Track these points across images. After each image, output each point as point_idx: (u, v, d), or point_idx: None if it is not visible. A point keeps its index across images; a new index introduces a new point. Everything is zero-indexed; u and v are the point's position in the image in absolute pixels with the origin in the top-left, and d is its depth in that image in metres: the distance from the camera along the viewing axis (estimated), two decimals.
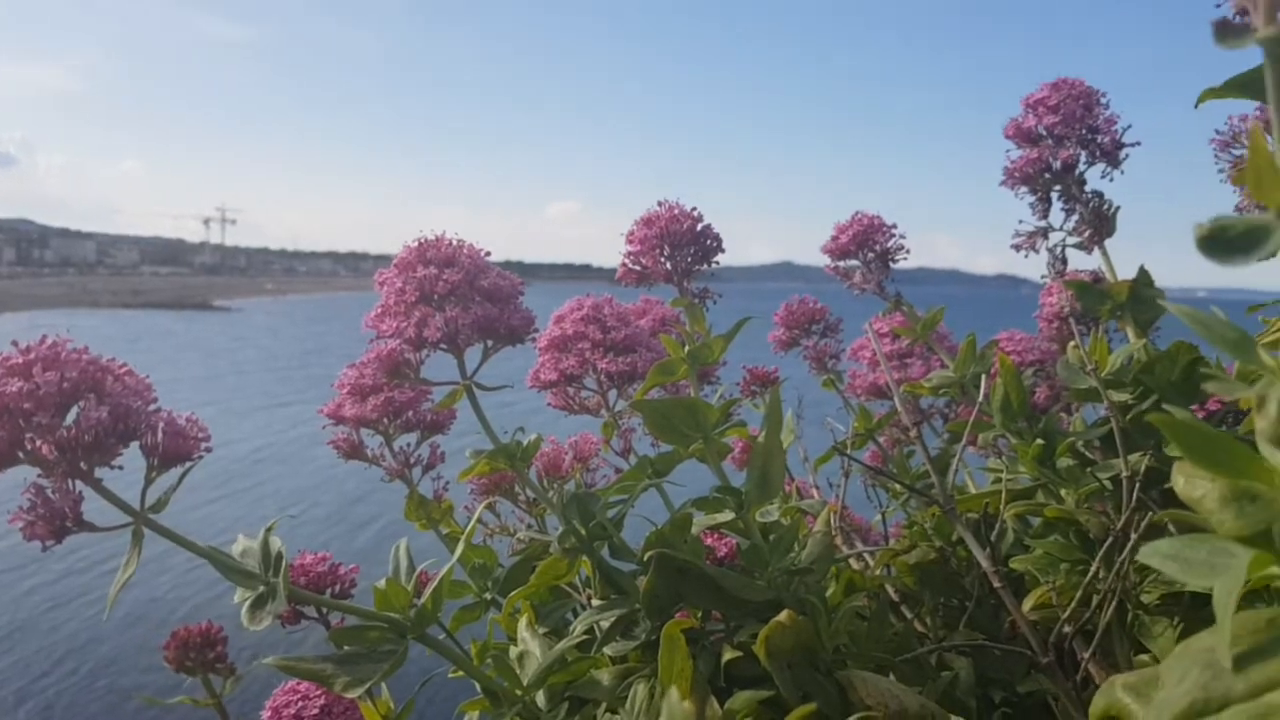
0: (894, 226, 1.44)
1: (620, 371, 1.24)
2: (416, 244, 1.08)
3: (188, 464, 0.83)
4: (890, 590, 1.32)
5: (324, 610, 0.99)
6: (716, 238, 1.14)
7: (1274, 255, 0.43)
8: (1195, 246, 0.45)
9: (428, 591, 0.89)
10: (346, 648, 0.89)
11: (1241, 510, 0.51)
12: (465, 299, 1.05)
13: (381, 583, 0.89)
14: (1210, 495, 0.52)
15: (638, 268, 1.15)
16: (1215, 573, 0.53)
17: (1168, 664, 0.51)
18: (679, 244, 1.13)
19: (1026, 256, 1.49)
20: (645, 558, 0.96)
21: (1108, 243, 1.42)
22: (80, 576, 10.84)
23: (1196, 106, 1.15)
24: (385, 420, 1.33)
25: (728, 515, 1.04)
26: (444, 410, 1.30)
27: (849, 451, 1.47)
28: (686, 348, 1.10)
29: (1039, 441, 1.23)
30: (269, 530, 0.86)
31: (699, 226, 1.13)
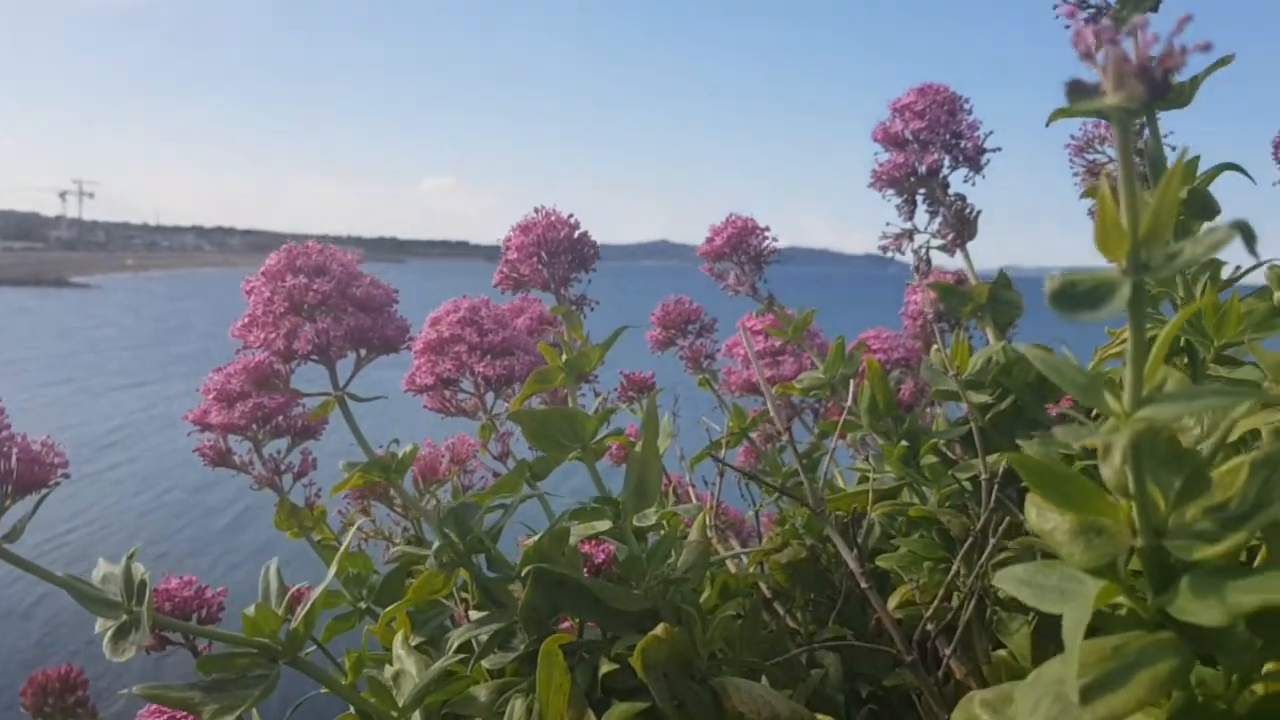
0: (766, 229, 1.47)
1: (498, 375, 1.23)
2: (285, 251, 1.05)
3: (43, 491, 0.80)
4: (763, 587, 1.35)
5: (191, 635, 0.96)
6: (593, 245, 1.14)
7: (1120, 312, 0.46)
8: (1046, 300, 0.47)
9: (300, 614, 0.87)
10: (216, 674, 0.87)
11: (1089, 543, 0.54)
12: (337, 309, 1.03)
13: (251, 609, 0.86)
14: (1060, 528, 0.55)
15: (515, 275, 1.14)
16: (1065, 599, 0.56)
17: (1022, 691, 0.53)
18: (556, 252, 1.12)
19: (893, 257, 1.54)
20: (523, 572, 0.95)
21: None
22: None
23: (1048, 125, 1.21)
24: (254, 427, 1.29)
25: (605, 524, 1.04)
26: (316, 416, 1.28)
27: (724, 450, 1.49)
28: (564, 356, 1.10)
29: (904, 443, 1.27)
30: (131, 557, 0.83)
31: (576, 234, 1.13)
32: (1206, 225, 0.43)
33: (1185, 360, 1.05)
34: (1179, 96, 1.07)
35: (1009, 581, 0.59)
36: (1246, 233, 0.43)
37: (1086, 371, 0.52)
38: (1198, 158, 1.03)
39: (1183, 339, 1.01)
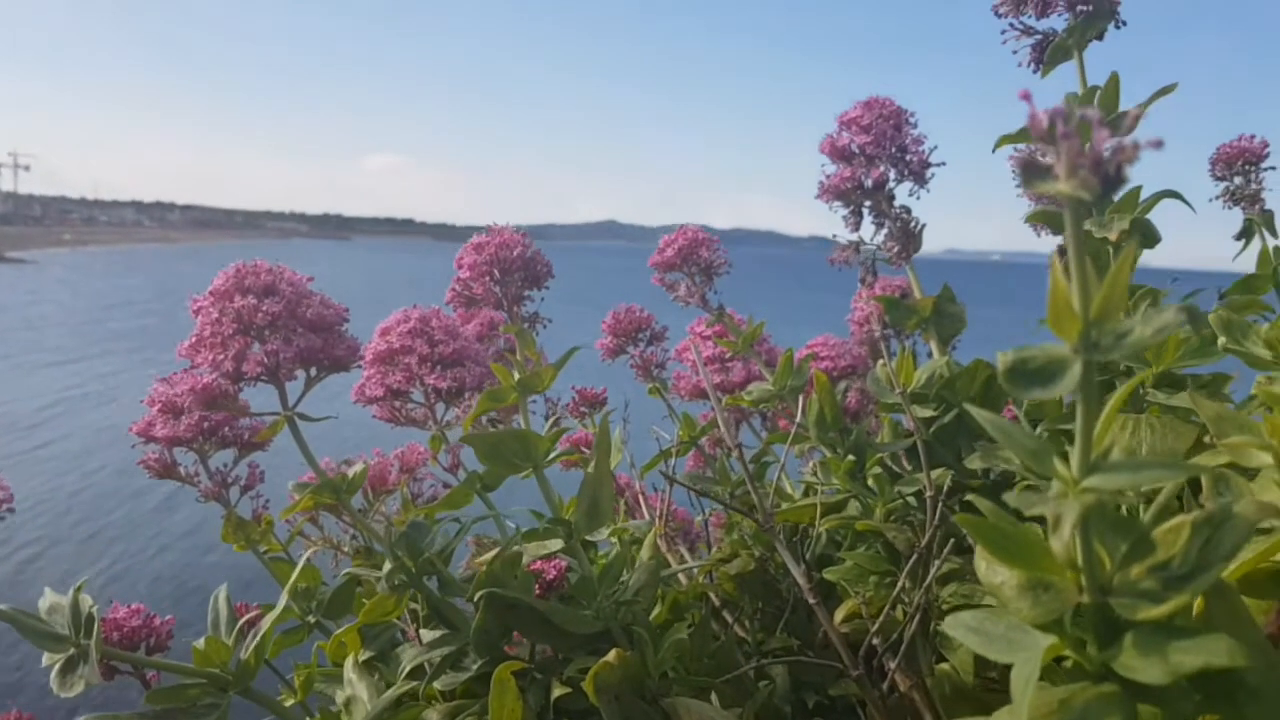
0: (716, 240, 1.48)
1: (448, 387, 1.23)
2: (234, 269, 1.04)
3: None
4: (713, 597, 1.36)
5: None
6: (546, 264, 1.14)
7: (1071, 389, 0.47)
8: (999, 376, 0.48)
9: (250, 646, 0.87)
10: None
11: (1037, 599, 0.55)
12: (287, 330, 1.02)
13: (200, 642, 0.86)
14: (1008, 583, 0.57)
15: (468, 294, 1.13)
16: (1012, 648, 0.57)
17: None
18: (509, 270, 1.12)
19: (840, 270, 1.56)
20: (475, 597, 0.96)
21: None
22: None
23: (994, 150, 1.23)
24: (200, 439, 1.27)
25: (557, 544, 1.05)
26: (265, 436, 1.26)
27: (673, 458, 1.51)
28: (516, 375, 1.10)
29: (850, 457, 1.29)
30: (78, 590, 0.82)
31: (529, 252, 1.13)
32: (1156, 310, 0.45)
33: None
34: (1119, 123, 1.10)
35: (957, 628, 0.60)
36: (1195, 317, 0.44)
37: (1035, 435, 0.53)
38: (1139, 188, 1.06)
39: (1122, 364, 1.04)
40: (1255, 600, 0.69)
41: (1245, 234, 1.48)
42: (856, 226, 1.53)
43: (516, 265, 1.12)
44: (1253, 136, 1.51)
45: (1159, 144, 0.41)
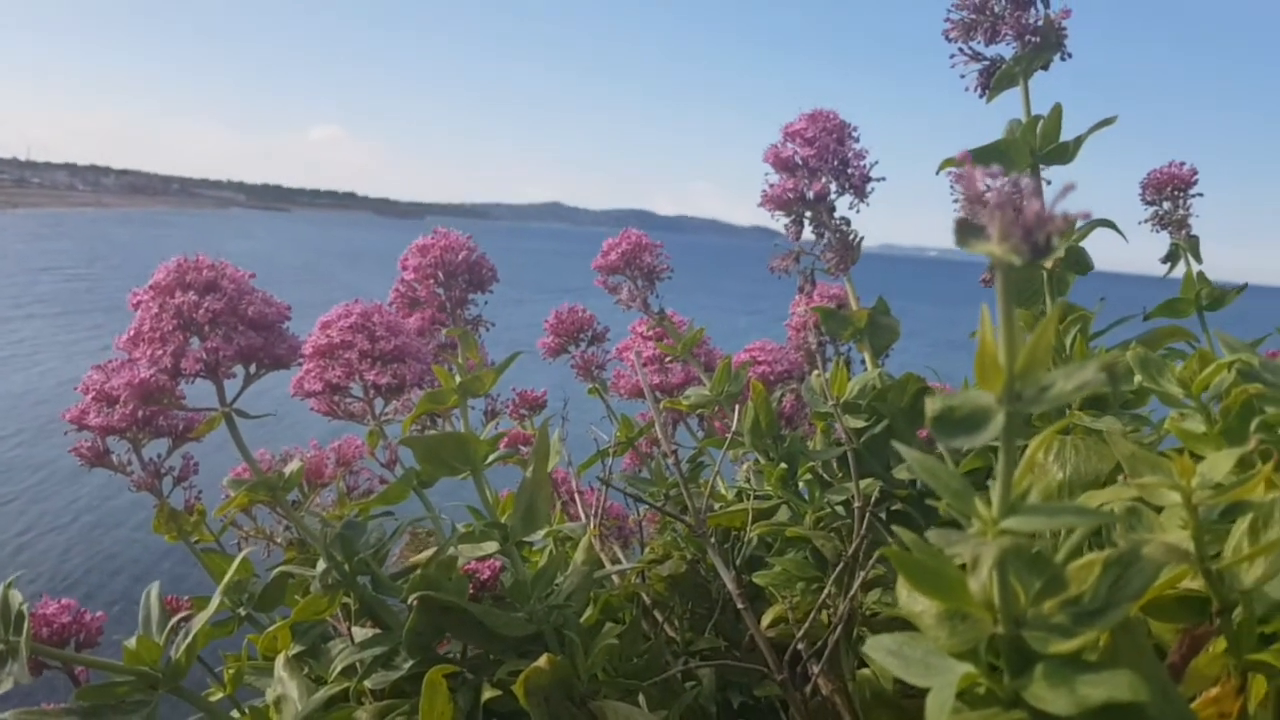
0: (659, 245, 1.49)
1: (388, 384, 1.23)
2: (175, 264, 1.03)
3: None
4: (644, 597, 1.38)
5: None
6: (491, 268, 1.15)
7: (994, 438, 0.49)
8: (928, 425, 0.51)
9: (182, 645, 0.87)
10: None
11: (954, 629, 0.58)
12: (228, 327, 1.01)
13: (132, 641, 0.85)
14: (928, 612, 0.59)
15: (411, 296, 1.14)
16: (930, 673, 0.60)
17: None
18: (453, 273, 1.13)
19: (780, 278, 1.59)
20: (409, 599, 0.97)
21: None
22: None
23: (937, 173, 1.26)
24: (134, 429, 1.26)
25: (493, 547, 1.06)
26: (201, 432, 1.25)
27: (611, 457, 1.52)
28: (458, 378, 1.11)
29: (782, 465, 1.32)
30: (9, 586, 0.81)
31: (474, 256, 1.14)
32: (1077, 366, 0.47)
33: None
34: (1063, 152, 1.14)
35: (877, 651, 0.63)
36: (1112, 373, 0.47)
37: (959, 476, 0.55)
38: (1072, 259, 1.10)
39: None
40: (1163, 625, 0.73)
41: (1171, 257, 1.54)
42: (797, 236, 1.56)
43: (461, 269, 1.13)
44: (1182, 163, 1.56)
45: (1088, 215, 0.43)
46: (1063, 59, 1.13)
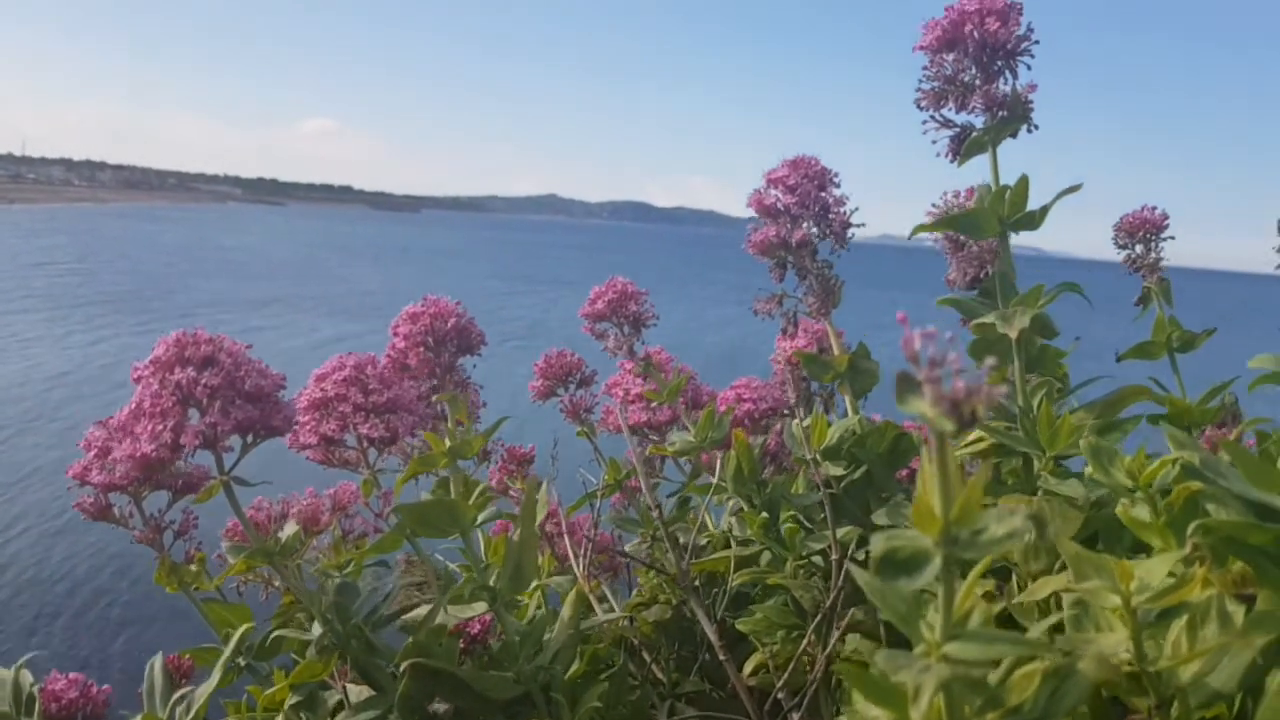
0: (645, 293, 1.53)
1: (381, 437, 1.27)
2: (175, 339, 1.07)
3: None
4: (632, 638, 1.43)
5: None
6: (479, 333, 1.19)
7: (932, 580, 0.54)
8: (871, 566, 0.55)
9: (185, 718, 0.91)
10: None
11: None
12: (225, 401, 1.05)
13: (138, 719, 0.90)
14: (880, 718, 0.64)
15: (403, 363, 1.18)
16: None
17: None
18: (443, 340, 1.17)
19: (764, 320, 1.63)
20: (401, 666, 1.01)
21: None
22: None
23: (910, 238, 1.30)
24: (135, 485, 1.30)
25: (482, 608, 1.10)
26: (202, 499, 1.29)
27: (599, 499, 1.56)
28: (447, 442, 1.15)
29: (764, 515, 1.36)
30: (19, 668, 0.85)
31: (463, 322, 1.18)
32: (1007, 513, 0.51)
33: (1020, 464, 1.17)
34: (1030, 220, 1.18)
35: None
36: (1041, 524, 0.51)
37: (906, 597, 0.60)
38: (1040, 285, 1.14)
39: (1020, 453, 1.12)
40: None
41: (1144, 301, 1.58)
42: (780, 278, 1.60)
43: (450, 335, 1.17)
44: (1154, 208, 1.60)
45: (1006, 394, 0.47)
46: (1029, 130, 1.17)
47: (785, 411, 1.76)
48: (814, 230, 1.56)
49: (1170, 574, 0.69)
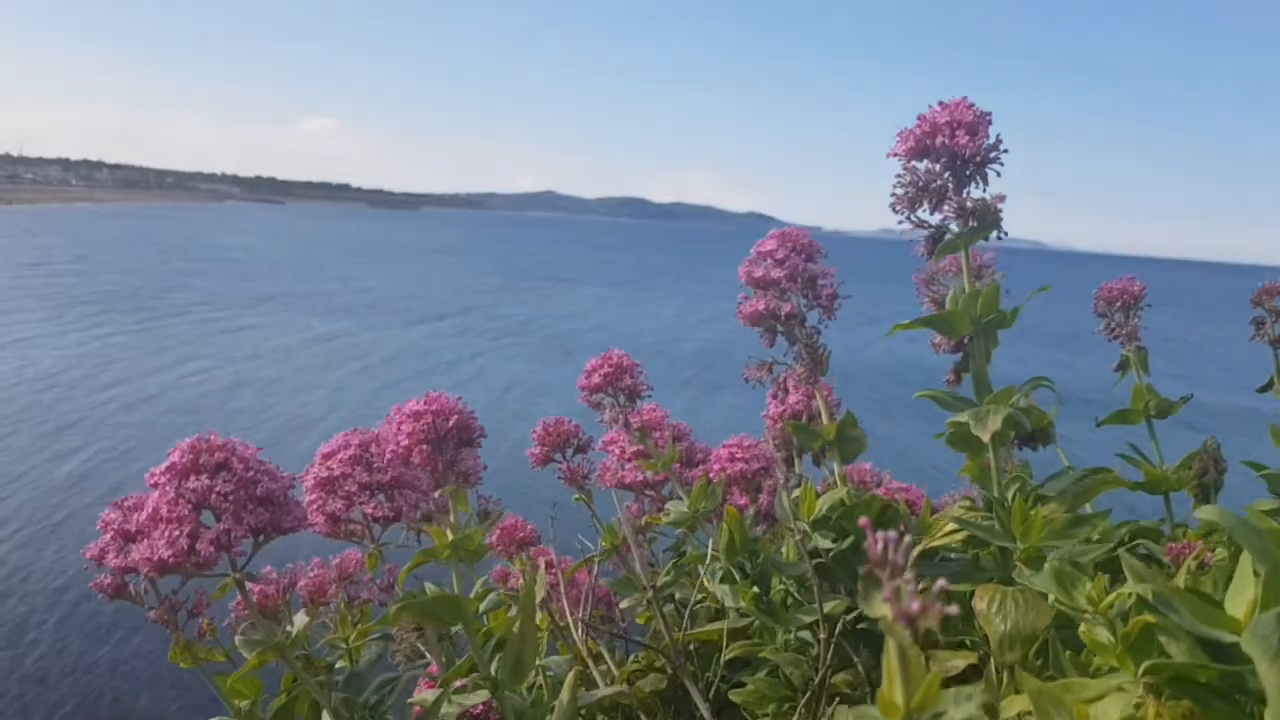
0: (639, 366, 1.59)
1: (385, 516, 1.33)
2: (190, 445, 1.13)
3: None
4: (630, 704, 1.48)
5: None
6: (480, 428, 1.24)
7: None
8: None
9: None
10: None
11: None
12: (238, 505, 1.11)
13: None
14: None
15: (406, 460, 1.23)
16: None
17: None
18: (444, 437, 1.22)
19: (754, 388, 1.68)
20: None
21: None
22: None
23: (887, 336, 1.35)
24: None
25: (484, 695, 1.16)
26: (215, 597, 1.35)
27: (596, 564, 1.62)
28: (450, 535, 1.20)
29: (754, 589, 1.41)
30: None
31: (464, 419, 1.23)
32: (964, 696, 0.57)
33: (999, 552, 1.22)
34: (1002, 320, 1.23)
35: None
36: (991, 710, 0.57)
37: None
38: (1012, 386, 1.19)
39: (993, 545, 1.18)
40: None
41: (1123, 367, 1.64)
42: (771, 344, 1.65)
43: (452, 432, 1.22)
44: (1133, 279, 1.66)
45: (942, 592, 0.53)
46: (1000, 237, 1.22)
47: (774, 470, 1.81)
48: (802, 300, 1.62)
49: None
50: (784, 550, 1.61)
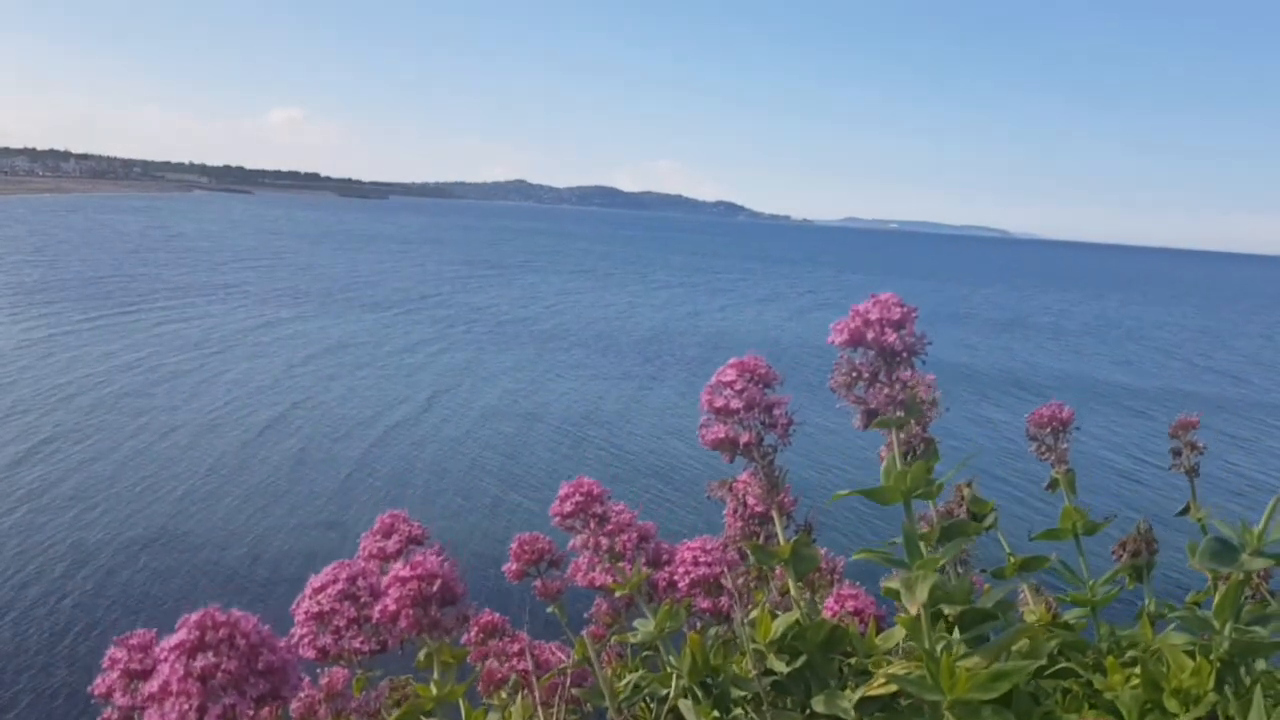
0: (608, 492, 1.71)
1: (372, 650, 1.45)
2: (196, 622, 1.24)
3: None
4: None
5: None
6: (464, 588, 1.36)
7: None
8: None
9: None
10: None
11: None
12: (241, 679, 1.22)
13: None
14: None
15: (395, 623, 1.35)
16: None
17: None
18: (429, 598, 1.34)
19: (718, 502, 1.82)
20: None
21: None
22: None
23: (827, 504, 1.48)
24: None
25: None
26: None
27: (569, 672, 1.74)
28: (434, 690, 1.32)
29: (715, 713, 1.54)
30: None
31: (448, 581, 1.35)
32: None
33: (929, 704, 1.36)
34: (929, 493, 1.37)
35: None
36: None
37: None
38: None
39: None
40: None
41: (1052, 486, 1.78)
42: (731, 460, 1.78)
43: (436, 596, 1.34)
44: (1062, 405, 1.80)
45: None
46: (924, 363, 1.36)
47: (740, 571, 1.94)
48: (760, 425, 1.74)
49: None
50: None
